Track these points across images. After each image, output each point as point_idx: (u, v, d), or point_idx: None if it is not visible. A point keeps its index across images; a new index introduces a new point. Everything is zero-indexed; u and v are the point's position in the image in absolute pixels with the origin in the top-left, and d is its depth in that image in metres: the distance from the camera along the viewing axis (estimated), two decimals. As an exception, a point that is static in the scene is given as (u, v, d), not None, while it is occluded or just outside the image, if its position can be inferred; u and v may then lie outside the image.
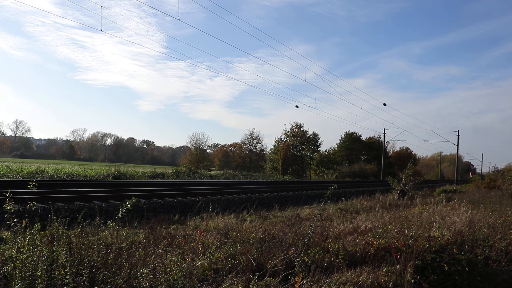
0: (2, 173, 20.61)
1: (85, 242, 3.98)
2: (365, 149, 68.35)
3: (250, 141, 74.81)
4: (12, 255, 3.54)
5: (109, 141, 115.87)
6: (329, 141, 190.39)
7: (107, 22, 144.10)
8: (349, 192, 22.63)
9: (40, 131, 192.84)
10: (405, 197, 17.84)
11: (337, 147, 66.85)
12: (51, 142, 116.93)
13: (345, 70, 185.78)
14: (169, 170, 34.65)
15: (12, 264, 3.45)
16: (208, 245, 5.24)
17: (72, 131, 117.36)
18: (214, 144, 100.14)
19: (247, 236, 5.89)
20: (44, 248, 3.65)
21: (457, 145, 47.94)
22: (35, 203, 4.58)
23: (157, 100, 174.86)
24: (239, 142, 79.97)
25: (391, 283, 4.42)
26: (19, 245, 3.58)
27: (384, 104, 37.85)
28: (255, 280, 3.80)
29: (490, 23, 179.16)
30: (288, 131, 59.43)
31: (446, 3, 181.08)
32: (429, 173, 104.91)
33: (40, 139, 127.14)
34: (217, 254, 4.65)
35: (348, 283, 4.21)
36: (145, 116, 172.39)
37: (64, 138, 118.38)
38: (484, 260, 5.63)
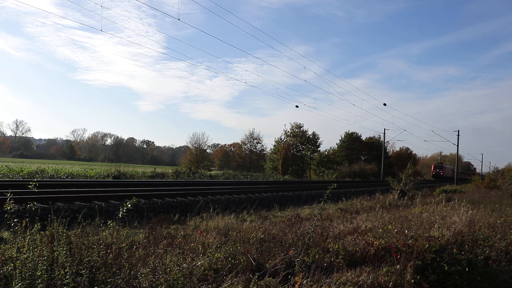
0: (2, 173, 20.60)
1: (85, 242, 3.98)
2: (365, 149, 68.31)
3: (250, 141, 74.82)
4: (12, 255, 3.54)
5: (109, 141, 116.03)
6: (329, 141, 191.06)
7: (107, 23, 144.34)
8: (349, 192, 22.63)
9: (40, 131, 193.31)
10: (405, 197, 17.83)
11: (337, 147, 66.80)
12: (51, 142, 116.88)
13: (345, 70, 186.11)
14: (169, 170, 34.62)
15: (12, 264, 3.45)
16: (208, 245, 5.23)
17: (72, 131, 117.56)
18: (214, 144, 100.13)
19: (247, 236, 5.89)
20: (44, 248, 3.65)
21: (457, 145, 47.91)
22: (35, 203, 4.58)
23: (157, 100, 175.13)
24: (239, 142, 80.00)
25: (391, 283, 4.42)
26: (19, 245, 3.58)
27: (384, 104, 37.85)
28: (255, 280, 3.80)
29: (488, 24, 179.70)
30: (288, 131, 59.42)
31: (445, 4, 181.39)
32: (429, 173, 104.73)
33: (40, 139, 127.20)
34: (217, 254, 4.65)
35: (348, 283, 4.21)
36: (145, 116, 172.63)
37: (64, 138, 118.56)
38: (484, 260, 5.63)
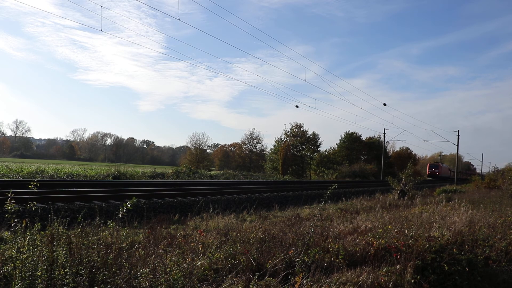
0: (2, 173, 20.60)
1: (85, 242, 3.98)
2: (365, 149, 68.28)
3: (250, 141, 74.81)
4: (12, 255, 3.54)
5: (109, 141, 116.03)
6: (329, 141, 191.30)
7: (107, 23, 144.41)
8: (349, 192, 22.63)
9: (40, 131, 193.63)
10: (405, 197, 17.83)
11: (337, 147, 66.79)
12: (51, 142, 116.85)
13: (344, 70, 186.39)
14: (169, 170, 34.61)
15: (12, 264, 3.45)
16: (208, 245, 5.24)
17: (72, 131, 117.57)
18: (214, 144, 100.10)
19: (247, 236, 5.88)
20: (44, 248, 3.65)
21: (457, 145, 47.93)
22: (35, 203, 4.57)
23: (157, 100, 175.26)
24: (239, 142, 79.99)
25: (391, 283, 4.41)
26: (19, 245, 3.58)
27: (384, 104, 37.85)
28: (255, 280, 3.80)
29: (488, 24, 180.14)
30: (288, 131, 59.43)
31: (445, 4, 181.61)
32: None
33: (40, 139, 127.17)
34: (217, 254, 4.65)
35: (348, 283, 4.21)
36: (145, 116, 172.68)
37: (64, 138, 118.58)
38: (484, 260, 5.63)
